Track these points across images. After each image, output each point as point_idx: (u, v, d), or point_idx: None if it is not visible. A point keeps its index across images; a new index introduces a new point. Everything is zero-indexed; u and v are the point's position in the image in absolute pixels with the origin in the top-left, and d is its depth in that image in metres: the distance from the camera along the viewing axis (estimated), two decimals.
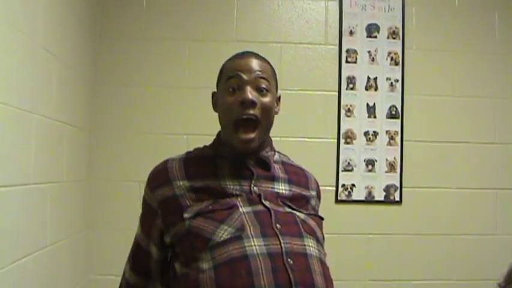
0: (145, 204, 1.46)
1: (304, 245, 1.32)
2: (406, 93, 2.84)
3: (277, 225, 1.31)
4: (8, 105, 1.61)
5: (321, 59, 2.83)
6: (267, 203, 1.35)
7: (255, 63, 1.42)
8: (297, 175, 1.52)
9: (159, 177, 1.44)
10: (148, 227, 1.45)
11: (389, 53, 2.85)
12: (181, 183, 1.39)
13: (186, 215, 1.33)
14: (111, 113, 2.72)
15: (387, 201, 2.81)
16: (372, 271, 2.79)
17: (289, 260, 1.25)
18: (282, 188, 1.44)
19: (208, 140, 1.54)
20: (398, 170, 2.81)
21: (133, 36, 2.74)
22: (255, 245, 1.26)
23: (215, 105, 1.50)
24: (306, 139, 2.78)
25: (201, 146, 1.54)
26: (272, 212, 1.33)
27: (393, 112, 2.83)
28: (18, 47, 1.68)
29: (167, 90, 2.74)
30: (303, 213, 1.40)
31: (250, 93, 1.37)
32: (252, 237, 1.27)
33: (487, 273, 2.71)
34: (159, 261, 1.46)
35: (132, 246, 1.53)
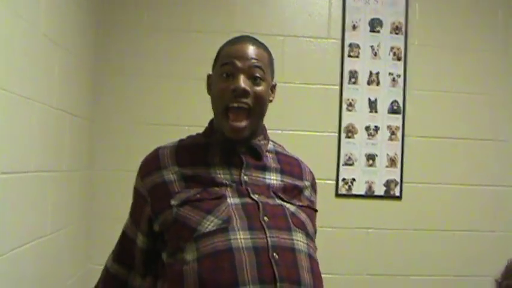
0: (136, 192, 1.45)
1: (292, 239, 1.29)
2: (408, 88, 2.83)
3: (265, 218, 1.28)
4: (10, 91, 1.60)
5: (324, 53, 2.82)
6: (255, 197, 1.33)
7: (251, 50, 1.39)
8: (291, 165, 1.49)
9: (150, 164, 1.43)
10: (138, 215, 1.43)
11: (392, 48, 2.84)
12: (171, 170, 1.38)
13: (173, 202, 1.32)
14: (113, 102, 2.71)
15: (387, 196, 2.81)
16: (370, 266, 2.79)
17: (274, 254, 1.23)
18: (274, 179, 1.41)
19: None
20: (398, 165, 2.81)
21: (136, 26, 2.73)
22: (240, 238, 1.23)
23: (209, 88, 1.47)
24: (307, 132, 2.77)
25: (195, 134, 1.53)
26: (260, 204, 1.31)
27: (395, 107, 2.83)
28: (20, 35, 1.68)
29: (169, 80, 2.74)
30: (294, 205, 1.38)
31: (244, 82, 1.35)
32: (238, 230, 1.25)
33: (486, 270, 2.68)
34: (145, 252, 1.44)
35: (119, 237, 1.52)
